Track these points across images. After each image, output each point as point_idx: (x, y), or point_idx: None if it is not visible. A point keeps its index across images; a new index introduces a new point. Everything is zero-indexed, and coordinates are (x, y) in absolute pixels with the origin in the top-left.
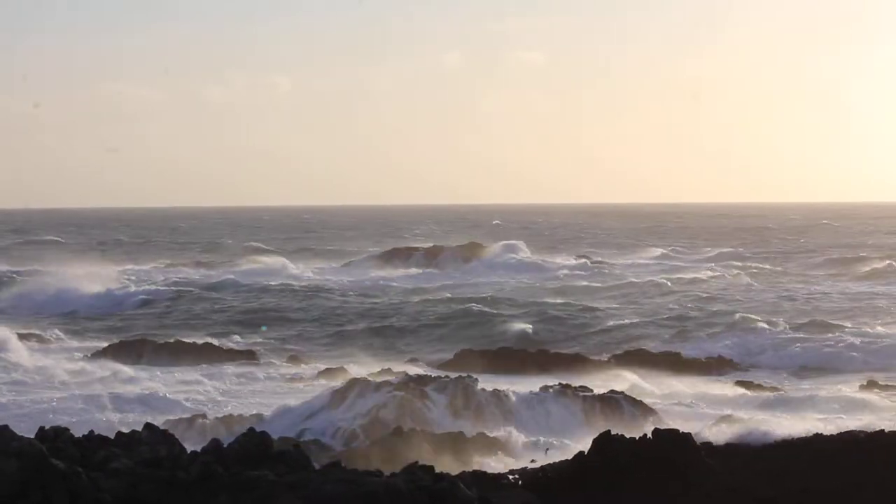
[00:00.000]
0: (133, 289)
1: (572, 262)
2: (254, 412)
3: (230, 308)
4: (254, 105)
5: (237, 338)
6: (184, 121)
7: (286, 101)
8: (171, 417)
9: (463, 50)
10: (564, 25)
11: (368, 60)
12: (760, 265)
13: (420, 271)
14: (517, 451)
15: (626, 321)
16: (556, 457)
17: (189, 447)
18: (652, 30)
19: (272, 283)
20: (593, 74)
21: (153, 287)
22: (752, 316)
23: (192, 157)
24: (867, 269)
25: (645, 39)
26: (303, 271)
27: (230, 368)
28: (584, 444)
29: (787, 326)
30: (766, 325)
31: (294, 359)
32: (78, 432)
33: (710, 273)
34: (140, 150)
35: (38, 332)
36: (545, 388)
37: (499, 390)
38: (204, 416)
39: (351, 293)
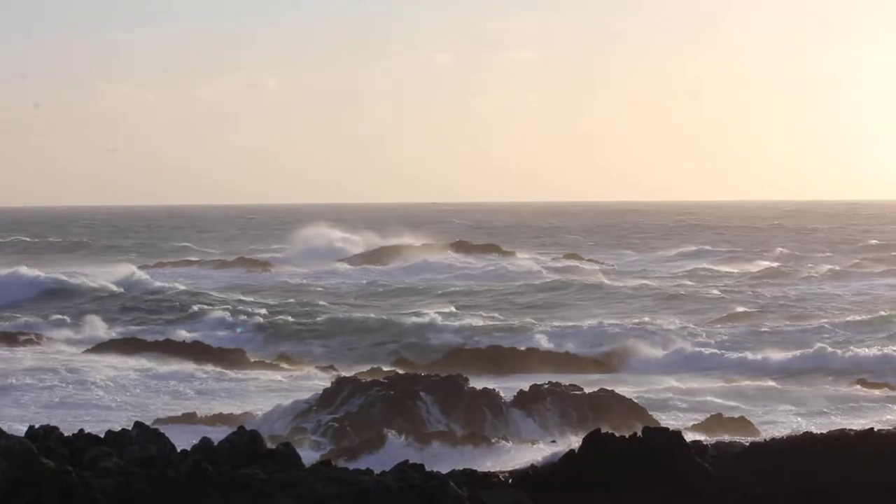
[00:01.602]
0: None
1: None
2: (244, 410)
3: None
4: (249, 104)
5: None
6: (183, 120)
7: (281, 99)
8: (161, 416)
9: (457, 49)
10: (560, 25)
11: (363, 60)
12: (725, 266)
13: (408, 267)
14: (508, 449)
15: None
16: (546, 455)
17: (179, 446)
18: (646, 29)
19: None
20: (588, 73)
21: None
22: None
23: (191, 156)
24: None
25: (640, 39)
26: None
27: (220, 367)
28: (575, 443)
29: (769, 324)
30: (744, 323)
31: (284, 357)
32: (68, 430)
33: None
34: (140, 149)
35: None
36: (535, 387)
37: (489, 389)
38: (194, 414)
39: (330, 291)
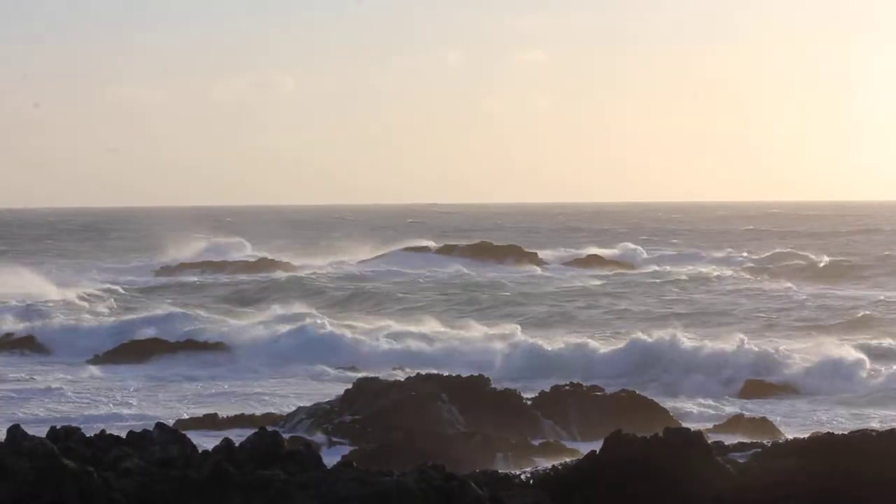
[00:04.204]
0: None
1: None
2: (265, 412)
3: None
4: (256, 104)
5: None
6: (186, 120)
7: (290, 100)
8: (183, 417)
9: (467, 50)
10: (571, 26)
11: (373, 59)
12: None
13: (430, 268)
14: (529, 450)
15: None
16: (568, 456)
17: (200, 447)
18: (657, 30)
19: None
20: (599, 75)
21: None
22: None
23: (201, 156)
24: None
25: (650, 40)
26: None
27: (243, 368)
28: (596, 444)
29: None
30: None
31: (305, 358)
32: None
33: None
34: (143, 149)
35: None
36: (556, 387)
37: (510, 390)
38: (215, 415)
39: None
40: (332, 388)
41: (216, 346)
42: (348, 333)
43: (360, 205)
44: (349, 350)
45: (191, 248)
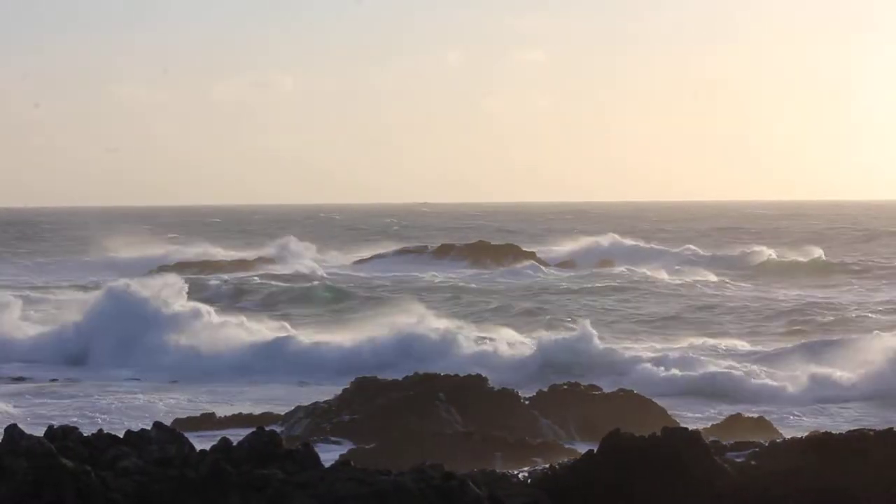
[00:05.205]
0: None
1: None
2: (263, 411)
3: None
4: (256, 104)
5: None
6: (186, 120)
7: (289, 100)
8: (181, 416)
9: (467, 50)
10: (570, 26)
11: (373, 59)
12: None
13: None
14: (527, 449)
15: None
16: (565, 455)
17: (198, 446)
18: (657, 31)
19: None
20: (598, 75)
21: None
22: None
23: (195, 156)
24: None
25: (651, 41)
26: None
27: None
28: (594, 443)
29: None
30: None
31: (303, 358)
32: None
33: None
34: (143, 149)
35: None
36: (554, 387)
37: (508, 389)
38: (213, 414)
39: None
40: (329, 388)
41: (214, 346)
42: (345, 333)
43: (345, 203)
44: (345, 350)
45: (178, 248)
